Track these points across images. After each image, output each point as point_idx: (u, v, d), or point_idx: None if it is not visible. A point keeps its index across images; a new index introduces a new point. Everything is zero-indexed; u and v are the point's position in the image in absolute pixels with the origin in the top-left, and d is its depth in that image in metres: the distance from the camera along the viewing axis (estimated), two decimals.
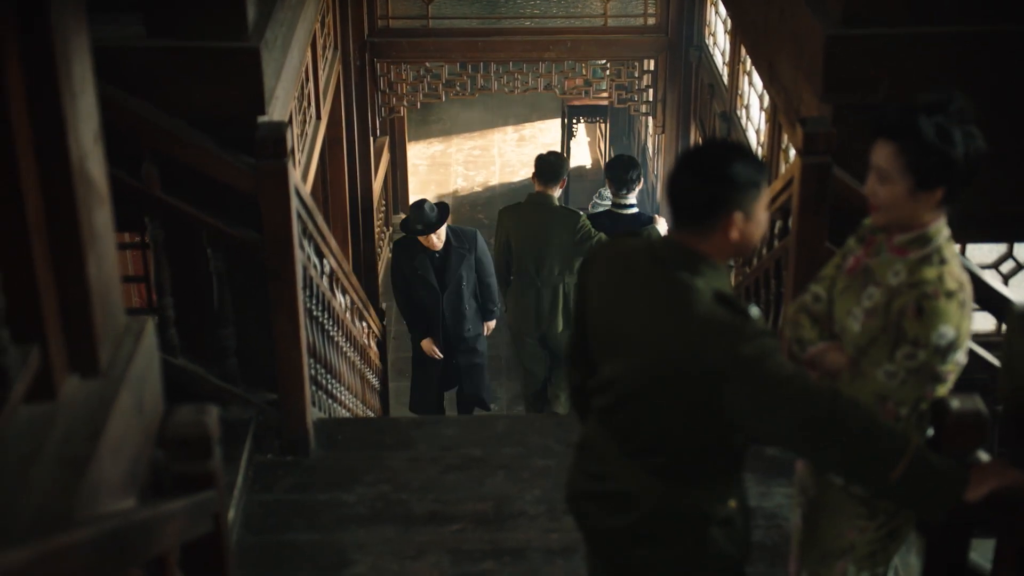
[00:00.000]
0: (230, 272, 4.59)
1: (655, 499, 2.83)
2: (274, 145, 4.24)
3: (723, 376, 2.59)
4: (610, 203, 7.37)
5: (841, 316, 3.10)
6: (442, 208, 7.45)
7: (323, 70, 7.21)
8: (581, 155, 13.45)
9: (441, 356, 7.79)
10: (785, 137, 5.51)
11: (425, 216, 7.32)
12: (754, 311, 2.66)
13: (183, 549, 2.56)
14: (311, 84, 6.59)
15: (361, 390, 7.00)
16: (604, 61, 8.72)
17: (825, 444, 2.66)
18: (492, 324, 8.08)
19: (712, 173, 2.66)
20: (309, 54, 6.37)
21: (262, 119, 4.38)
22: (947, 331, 2.85)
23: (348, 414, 6.32)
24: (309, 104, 6.49)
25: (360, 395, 6.94)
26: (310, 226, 4.93)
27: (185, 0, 4.18)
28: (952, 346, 2.88)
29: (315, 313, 5.18)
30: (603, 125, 12.49)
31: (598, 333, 2.90)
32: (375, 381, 7.93)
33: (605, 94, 8.80)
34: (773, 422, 2.63)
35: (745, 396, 2.60)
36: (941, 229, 2.95)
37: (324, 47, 7.40)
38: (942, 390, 2.96)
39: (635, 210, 7.03)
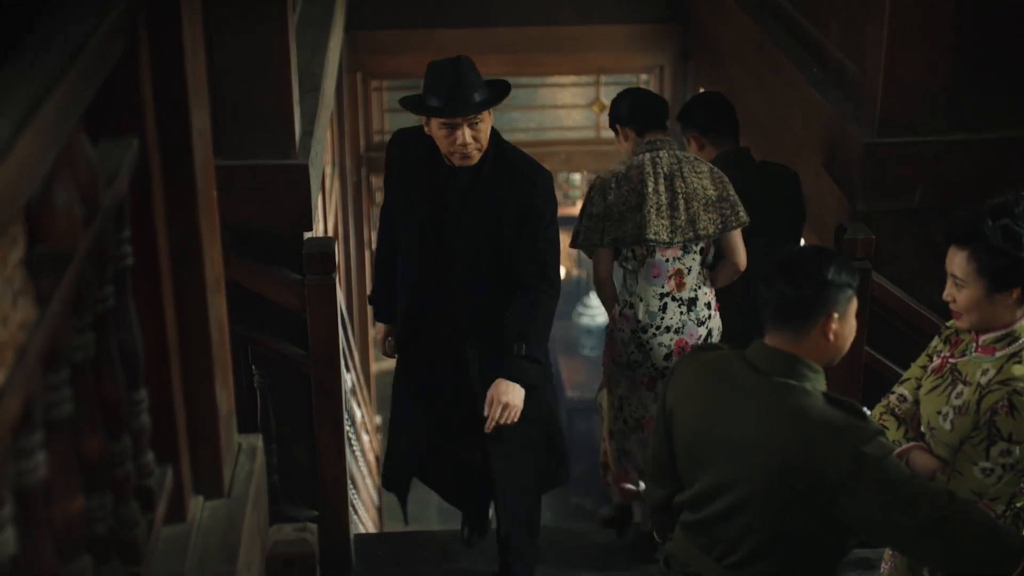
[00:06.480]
0: (272, 388, 4.55)
1: None
2: (322, 261, 4.24)
3: (848, 476, 2.59)
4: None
5: (930, 416, 3.13)
6: (496, 83, 3.84)
7: (327, 186, 7.26)
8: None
9: (391, 354, 4.47)
10: None
11: (452, 82, 3.69)
12: (866, 411, 2.68)
13: None
14: (320, 200, 6.63)
15: (369, 504, 6.95)
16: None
17: (945, 545, 2.67)
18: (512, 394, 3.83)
19: (811, 276, 2.71)
20: None
21: (307, 235, 4.39)
22: None
23: (363, 528, 6.25)
24: (322, 219, 6.52)
25: (368, 509, 6.87)
26: (343, 341, 4.92)
27: (234, 119, 4.19)
28: None
29: (345, 428, 5.15)
30: None
31: (693, 445, 2.88)
32: (375, 495, 7.86)
33: None
34: (894, 522, 2.64)
35: (868, 496, 2.61)
36: None
37: (326, 163, 7.45)
38: None
39: None
